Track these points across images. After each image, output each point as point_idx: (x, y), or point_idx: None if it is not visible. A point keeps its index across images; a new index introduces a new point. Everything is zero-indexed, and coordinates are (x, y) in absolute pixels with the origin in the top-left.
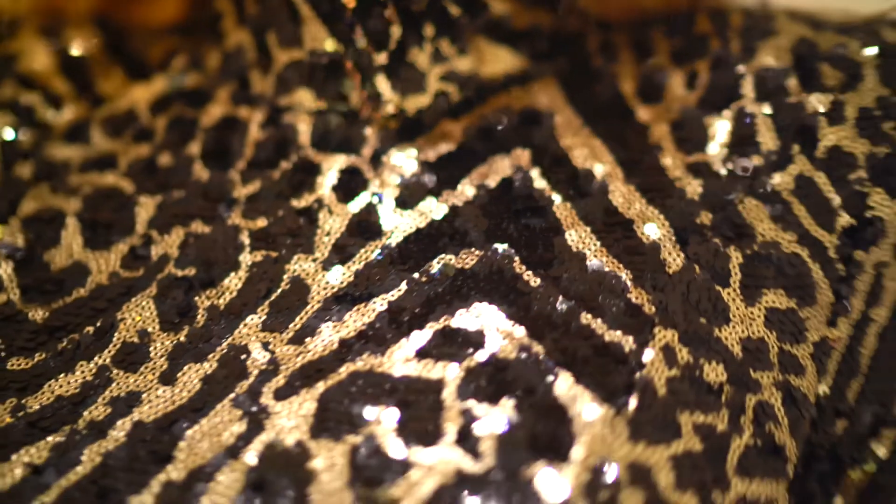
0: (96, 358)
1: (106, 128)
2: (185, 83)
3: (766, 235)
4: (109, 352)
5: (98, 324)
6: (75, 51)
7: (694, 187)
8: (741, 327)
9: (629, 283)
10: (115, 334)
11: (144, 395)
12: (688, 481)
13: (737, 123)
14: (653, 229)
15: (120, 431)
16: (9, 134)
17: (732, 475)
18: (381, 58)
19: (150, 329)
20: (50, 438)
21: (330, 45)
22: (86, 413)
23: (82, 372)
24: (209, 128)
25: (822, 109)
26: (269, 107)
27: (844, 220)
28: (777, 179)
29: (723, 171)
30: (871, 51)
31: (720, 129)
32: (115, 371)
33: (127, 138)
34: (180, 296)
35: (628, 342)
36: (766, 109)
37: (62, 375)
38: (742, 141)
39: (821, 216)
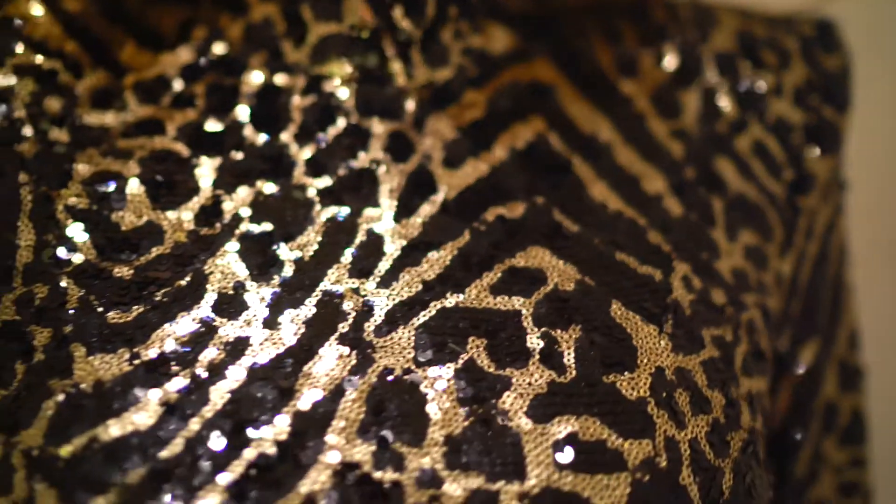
0: (195, 309)
1: (139, 95)
2: (210, 54)
3: (736, 187)
4: (207, 302)
5: (189, 278)
6: (69, 7)
7: (677, 149)
8: (729, 260)
9: (646, 226)
10: (209, 286)
11: (253, 340)
12: (714, 381)
13: (704, 96)
14: (654, 184)
15: (238, 371)
16: (17, 108)
17: (740, 375)
18: (417, 34)
19: (241, 280)
20: (175, 380)
21: (371, 20)
22: (201, 357)
23: (186, 322)
24: (251, 94)
25: (766, 86)
26: (306, 75)
27: (789, 174)
28: (739, 142)
29: (697, 135)
30: (794, 40)
31: (691, 100)
32: (218, 320)
33: (166, 104)
34: (264, 249)
35: (657, 274)
36: (725, 85)
37: (167, 325)
38: (708, 110)
39: (772, 171)
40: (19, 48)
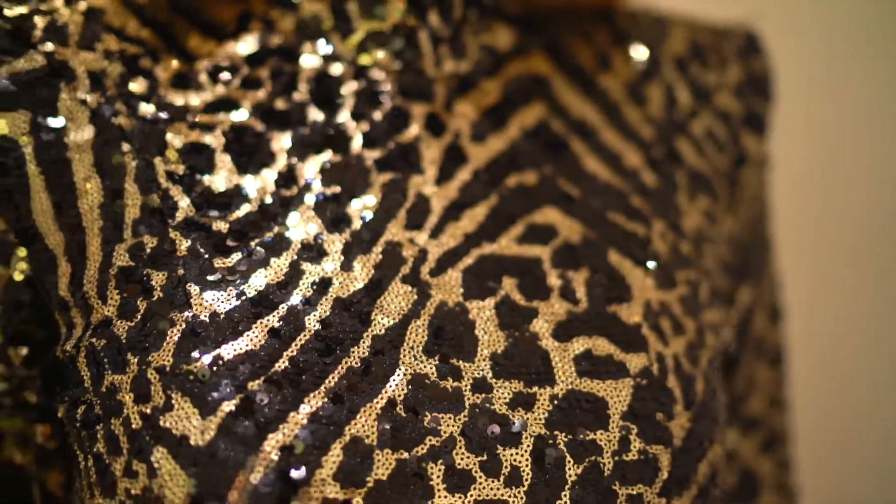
0: (284, 255)
1: (212, 77)
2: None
3: (692, 162)
4: (295, 248)
5: (275, 230)
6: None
7: (648, 130)
8: (690, 219)
9: (629, 193)
10: (292, 237)
11: (333, 279)
12: (687, 311)
13: (664, 88)
14: (633, 159)
15: (326, 304)
16: (110, 86)
17: (704, 307)
18: (447, 32)
19: (320, 233)
20: (275, 312)
21: (410, 20)
22: (294, 292)
23: (279, 266)
24: (309, 79)
25: (712, 80)
26: (353, 65)
27: (731, 151)
28: (694, 126)
29: (663, 121)
30: (731, 45)
31: (655, 92)
32: (304, 264)
33: (236, 86)
34: (335, 208)
35: (640, 229)
36: (681, 79)
37: (262, 269)
38: (669, 101)
39: (719, 149)
40: (106, 35)
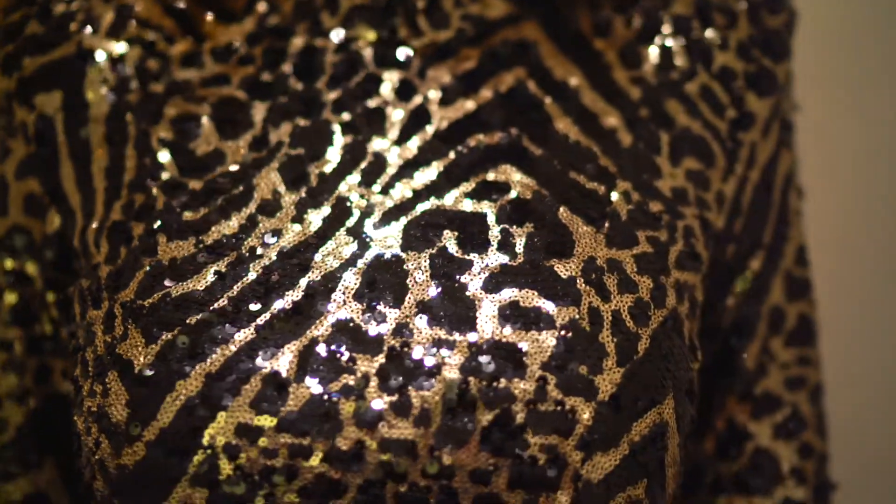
0: (244, 210)
1: (214, 56)
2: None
3: (682, 123)
4: (254, 204)
5: (241, 188)
6: None
7: (636, 92)
8: (671, 181)
9: (598, 153)
10: (255, 193)
11: (283, 231)
12: (644, 270)
13: (661, 50)
14: (611, 120)
15: (272, 252)
16: (128, 68)
17: (672, 268)
18: (422, 4)
19: (279, 189)
20: (225, 258)
21: None
22: (246, 242)
23: (237, 218)
24: (295, 53)
25: (716, 41)
26: (338, 38)
27: (731, 113)
28: (688, 87)
29: (654, 82)
30: (743, 4)
31: (651, 54)
32: (259, 217)
33: (233, 63)
34: (297, 167)
35: (601, 188)
36: (681, 41)
37: (223, 221)
38: (664, 62)
39: (716, 111)
40: (131, 25)
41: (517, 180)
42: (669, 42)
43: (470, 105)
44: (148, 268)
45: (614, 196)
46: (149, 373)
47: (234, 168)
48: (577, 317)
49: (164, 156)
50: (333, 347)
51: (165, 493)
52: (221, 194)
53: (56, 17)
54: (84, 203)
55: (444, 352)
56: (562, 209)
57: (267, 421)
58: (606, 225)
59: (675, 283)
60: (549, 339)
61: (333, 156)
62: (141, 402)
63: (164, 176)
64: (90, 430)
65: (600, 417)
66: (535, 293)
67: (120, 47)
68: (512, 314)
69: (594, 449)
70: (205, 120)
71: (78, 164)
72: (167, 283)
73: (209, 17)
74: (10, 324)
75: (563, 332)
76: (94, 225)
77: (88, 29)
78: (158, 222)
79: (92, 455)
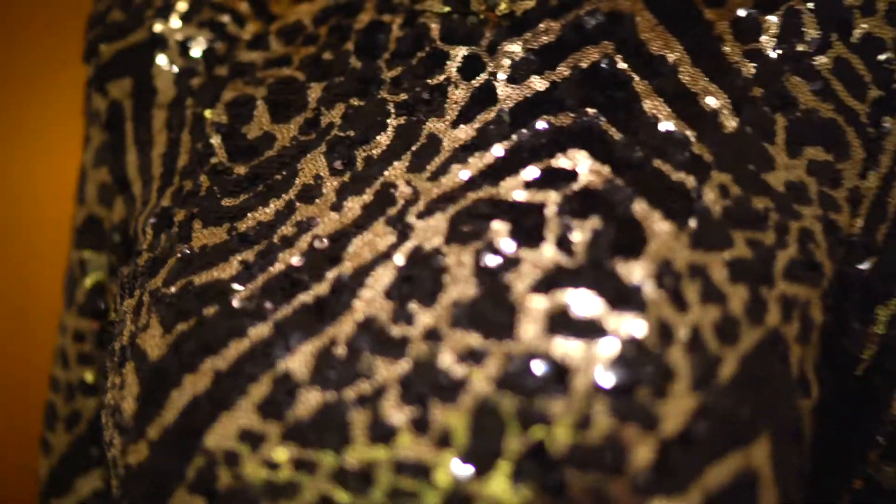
0: (284, 196)
1: (280, 37)
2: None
3: (808, 105)
4: (294, 190)
5: (284, 173)
6: None
7: (748, 68)
8: (785, 174)
9: (693, 139)
10: (297, 179)
11: (319, 219)
12: (738, 278)
13: (785, 19)
14: (713, 100)
15: (303, 242)
16: (196, 52)
17: (778, 278)
18: None
19: (322, 174)
20: (255, 247)
21: None
22: (279, 230)
23: (275, 205)
24: (360, 30)
25: (856, 3)
26: (407, 12)
27: (874, 93)
28: (817, 61)
29: (773, 55)
30: None
31: (771, 23)
32: (297, 204)
33: (298, 43)
34: (344, 150)
35: (690, 180)
36: (810, 6)
37: (260, 207)
38: (789, 32)
39: (854, 90)
40: (205, 9)
41: (588, 167)
42: (797, 7)
43: (542, 83)
44: (180, 255)
45: (706, 189)
46: (159, 364)
47: (281, 152)
48: (641, 329)
49: (215, 140)
50: (353, 349)
51: (164, 499)
52: (264, 179)
53: (136, 4)
54: (144, 191)
55: (475, 361)
56: (637, 202)
57: (272, 427)
58: (693, 222)
59: (781, 297)
60: (602, 354)
61: (384, 138)
62: (149, 397)
63: (213, 161)
64: (107, 425)
65: (663, 455)
66: (592, 298)
67: (191, 32)
68: (561, 321)
69: (652, 495)
70: (259, 102)
71: (141, 151)
72: (193, 271)
73: None
74: (83, 315)
75: (621, 346)
76: (145, 212)
77: (162, 15)
78: (197, 208)
79: (108, 452)
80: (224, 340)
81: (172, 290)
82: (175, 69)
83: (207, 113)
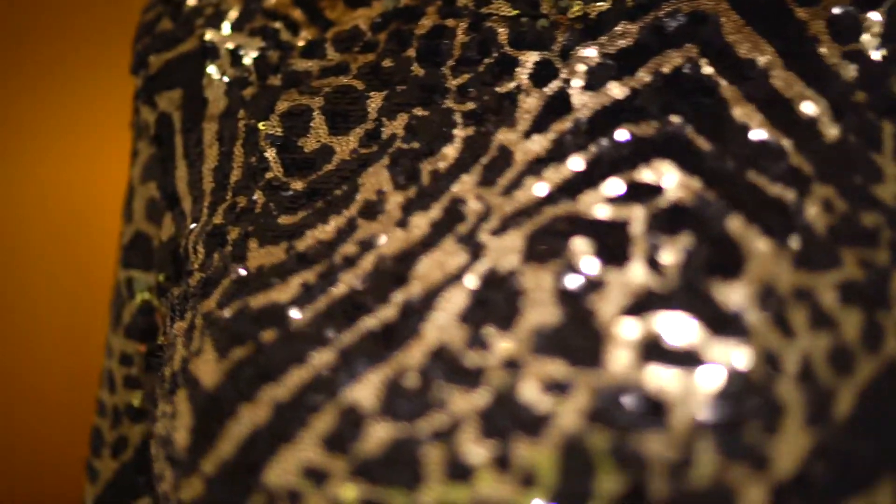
0: (345, 212)
1: (336, 44)
2: (399, 3)
3: None
4: (356, 206)
5: (345, 188)
6: None
7: (849, 71)
8: (895, 185)
9: (790, 148)
10: (358, 194)
11: (384, 237)
12: (850, 301)
13: (889, 17)
14: (810, 106)
15: (367, 261)
16: (248, 60)
17: (895, 301)
18: None
19: (385, 189)
20: (315, 267)
21: None
22: (340, 249)
23: (336, 222)
24: (422, 35)
25: None
26: (472, 16)
27: None
28: None
29: (877, 57)
30: None
31: (873, 21)
32: (359, 221)
33: (355, 50)
34: (408, 164)
35: (789, 194)
36: None
37: (320, 225)
38: (894, 30)
39: None
40: (257, 17)
41: (676, 181)
42: None
43: (621, 90)
44: (234, 276)
45: (809, 204)
46: (214, 393)
47: (340, 166)
48: (746, 358)
49: (270, 154)
50: (425, 378)
51: None
52: (323, 195)
53: (186, 12)
54: (194, 207)
55: (560, 392)
56: (732, 218)
57: (338, 462)
58: (795, 241)
59: None
60: (703, 386)
61: (451, 150)
62: (203, 428)
63: (268, 176)
64: (158, 457)
65: (777, 499)
66: (688, 324)
67: (242, 40)
68: (654, 350)
69: None
70: (315, 113)
71: (191, 166)
72: (249, 292)
73: (339, 3)
74: (131, 337)
75: (723, 377)
76: (196, 229)
77: (213, 23)
78: (252, 226)
79: (158, 486)
80: (283, 367)
81: (227, 312)
82: (226, 79)
83: (261, 125)
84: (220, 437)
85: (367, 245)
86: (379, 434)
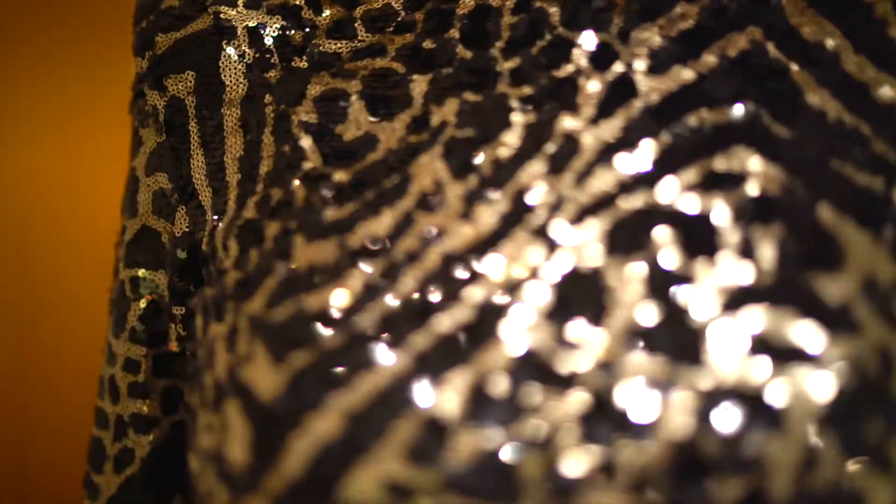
0: (399, 205)
1: (367, 24)
2: None
3: None
4: (412, 198)
5: (396, 179)
6: None
7: None
8: None
9: (871, 136)
10: (411, 185)
11: (448, 231)
12: None
13: None
14: (887, 91)
15: (433, 257)
16: (268, 41)
17: None
18: None
19: (442, 179)
20: (374, 265)
21: None
22: (400, 244)
23: (391, 215)
24: (465, 16)
25: None
26: None
27: None
28: None
29: None
30: None
31: None
32: (417, 214)
33: (389, 31)
34: (465, 152)
35: (877, 182)
36: None
37: (373, 218)
38: None
39: None
40: None
41: (758, 169)
42: None
43: (688, 74)
44: (282, 274)
45: None
46: (274, 404)
47: (387, 155)
48: (857, 354)
49: (305, 142)
50: (515, 384)
51: None
52: (372, 187)
53: None
54: (215, 199)
55: (664, 395)
56: (823, 207)
57: (422, 476)
58: (889, 231)
59: None
60: (818, 384)
61: (511, 138)
62: (264, 442)
63: (306, 166)
64: (204, 474)
65: None
66: (792, 319)
67: (261, 18)
68: (759, 348)
69: None
70: (354, 98)
71: (210, 155)
72: (302, 292)
73: None
74: (136, 342)
75: (837, 375)
76: (224, 224)
77: (225, 0)
78: (295, 221)
79: None
80: (352, 373)
81: (279, 314)
82: (245, 61)
83: (294, 111)
84: (284, 451)
85: (430, 239)
86: (467, 444)
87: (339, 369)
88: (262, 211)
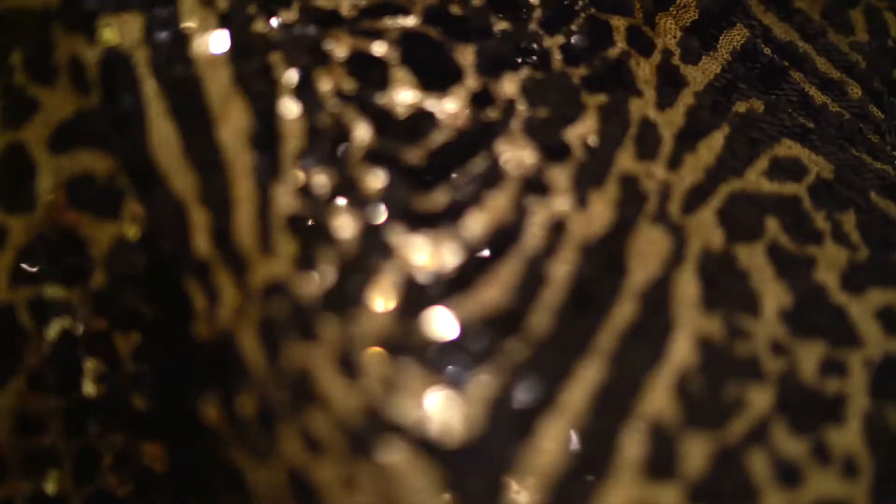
0: (501, 191)
1: None
2: None
3: None
4: (514, 183)
5: (482, 160)
6: None
7: (860, 60)
8: None
9: (863, 127)
10: (504, 168)
11: (569, 220)
12: None
13: (867, 13)
14: (855, 90)
15: (568, 249)
16: None
17: None
18: None
19: (535, 162)
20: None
21: None
22: (524, 236)
23: (498, 204)
24: None
25: None
26: None
27: None
28: None
29: (872, 49)
30: None
31: (858, 18)
32: (528, 200)
33: None
34: (549, 133)
35: (889, 169)
36: (885, 2)
37: (476, 209)
38: (875, 27)
39: None
40: None
41: (808, 157)
42: (875, 3)
43: (715, 65)
44: (396, 279)
45: None
46: (473, 443)
47: (459, 136)
48: None
49: (349, 114)
50: (707, 377)
51: None
52: (456, 170)
53: None
54: (204, 186)
55: (839, 373)
56: (872, 192)
57: (668, 492)
58: None
59: None
60: None
61: (590, 119)
62: (466, 490)
63: (359, 144)
64: None
65: None
66: None
67: None
68: (891, 321)
69: None
70: (394, 66)
71: (186, 128)
72: (431, 301)
73: None
74: (38, 390)
75: None
76: (246, 217)
77: None
78: (378, 213)
79: None
80: (551, 387)
81: (424, 334)
82: (217, 6)
83: (318, 73)
84: (496, 494)
85: (556, 228)
86: (696, 449)
87: (538, 387)
88: (311, 199)
